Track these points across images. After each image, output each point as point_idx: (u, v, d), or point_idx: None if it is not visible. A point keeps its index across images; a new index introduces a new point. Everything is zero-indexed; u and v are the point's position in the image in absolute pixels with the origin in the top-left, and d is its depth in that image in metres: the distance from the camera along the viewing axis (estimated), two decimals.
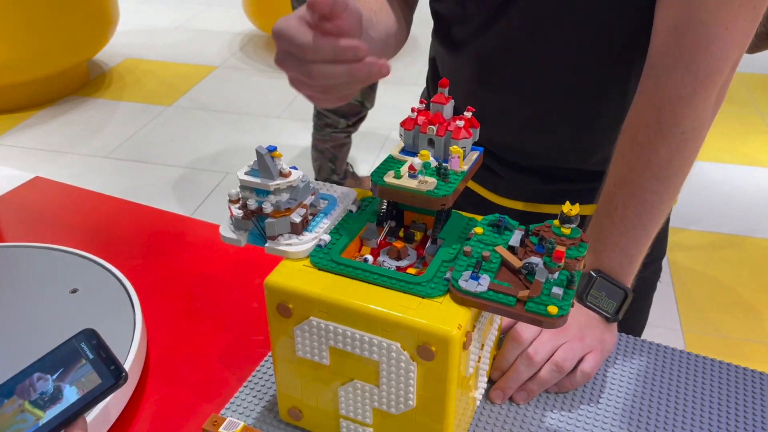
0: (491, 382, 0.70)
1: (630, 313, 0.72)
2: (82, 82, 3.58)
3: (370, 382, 0.57)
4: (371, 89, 2.22)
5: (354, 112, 2.22)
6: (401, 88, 3.26)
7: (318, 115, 2.24)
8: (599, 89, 0.81)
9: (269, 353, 0.74)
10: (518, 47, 0.80)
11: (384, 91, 2.61)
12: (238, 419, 0.64)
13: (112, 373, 0.48)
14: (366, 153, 2.88)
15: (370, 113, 2.32)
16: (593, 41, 0.77)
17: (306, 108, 3.33)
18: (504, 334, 0.73)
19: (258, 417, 0.66)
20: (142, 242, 0.93)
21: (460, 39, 0.85)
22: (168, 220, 0.98)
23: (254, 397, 0.68)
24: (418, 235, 0.64)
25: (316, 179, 2.28)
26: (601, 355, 0.70)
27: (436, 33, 0.91)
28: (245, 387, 0.69)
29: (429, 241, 0.62)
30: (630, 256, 0.74)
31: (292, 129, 3.14)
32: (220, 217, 0.89)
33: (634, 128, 0.72)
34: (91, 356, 0.49)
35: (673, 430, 0.65)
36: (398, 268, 0.60)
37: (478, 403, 0.65)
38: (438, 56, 0.94)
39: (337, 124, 2.22)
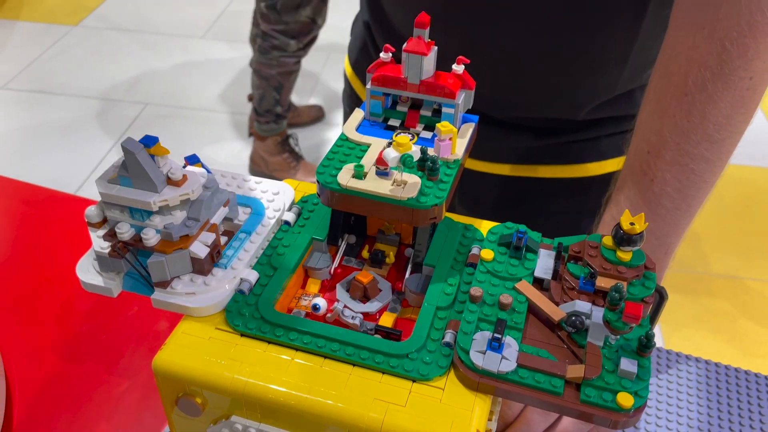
0: None
1: None
2: None
3: None
4: (323, 2, 1.88)
5: (305, 32, 1.90)
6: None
7: (263, 36, 1.91)
8: (599, 15, 0.59)
9: None
10: None
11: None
12: None
13: None
14: (302, 76, 2.59)
15: None
16: None
17: (233, 26, 2.97)
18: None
19: None
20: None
21: None
22: (30, 198, 0.73)
23: None
24: (391, 254, 0.43)
25: (256, 111, 1.98)
26: None
27: None
28: None
29: (408, 265, 0.42)
30: (666, 246, 0.55)
31: (219, 50, 2.80)
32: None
33: (681, 70, 0.51)
34: None
35: None
36: (366, 316, 0.39)
37: None
38: None
39: (286, 46, 1.90)
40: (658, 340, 1.65)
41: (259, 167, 2.04)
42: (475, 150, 0.72)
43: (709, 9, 0.48)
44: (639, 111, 0.55)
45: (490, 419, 0.35)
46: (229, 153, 2.20)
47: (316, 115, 2.31)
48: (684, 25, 0.50)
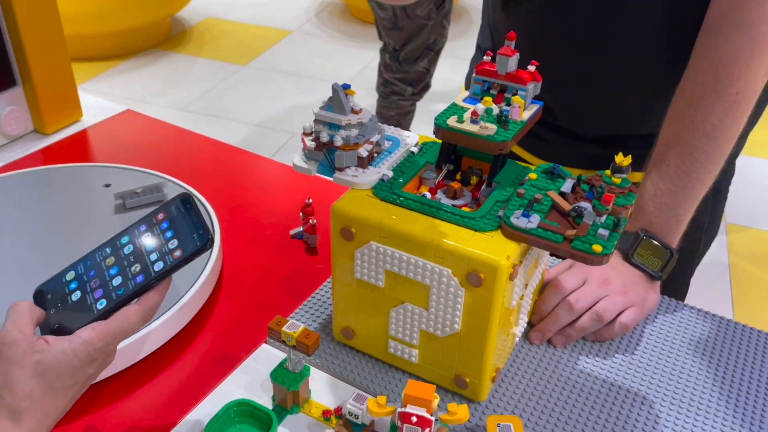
0: (531, 325, 0.74)
1: (671, 275, 0.75)
2: (164, 37, 3.73)
3: (419, 305, 0.62)
4: (437, 54, 2.23)
5: (420, 79, 2.24)
6: (445, 61, 3.22)
7: (385, 83, 2.27)
8: (668, 59, 0.83)
9: (326, 280, 0.80)
10: (586, 16, 0.83)
11: None
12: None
13: (201, 237, 0.53)
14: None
15: None
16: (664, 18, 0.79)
17: (372, 77, 3.36)
18: (546, 284, 0.76)
19: None
20: (223, 174, 1.00)
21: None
22: (247, 158, 1.05)
23: (310, 316, 0.75)
24: (474, 180, 0.68)
25: None
26: (642, 311, 0.73)
27: None
28: (302, 308, 0.76)
29: (484, 184, 0.66)
30: (677, 216, 0.76)
31: (359, 95, 3.18)
32: (285, 175, 0.96)
33: (689, 88, 0.74)
34: (183, 220, 0.54)
35: (695, 388, 0.68)
36: (453, 206, 0.64)
37: (517, 339, 0.69)
38: (491, 15, 0.97)
39: (403, 92, 2.25)
40: None
41: None
42: (552, 155, 0.97)
43: (710, 45, 0.71)
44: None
45: (518, 263, 0.59)
46: None
47: None
48: (693, 55, 0.73)
